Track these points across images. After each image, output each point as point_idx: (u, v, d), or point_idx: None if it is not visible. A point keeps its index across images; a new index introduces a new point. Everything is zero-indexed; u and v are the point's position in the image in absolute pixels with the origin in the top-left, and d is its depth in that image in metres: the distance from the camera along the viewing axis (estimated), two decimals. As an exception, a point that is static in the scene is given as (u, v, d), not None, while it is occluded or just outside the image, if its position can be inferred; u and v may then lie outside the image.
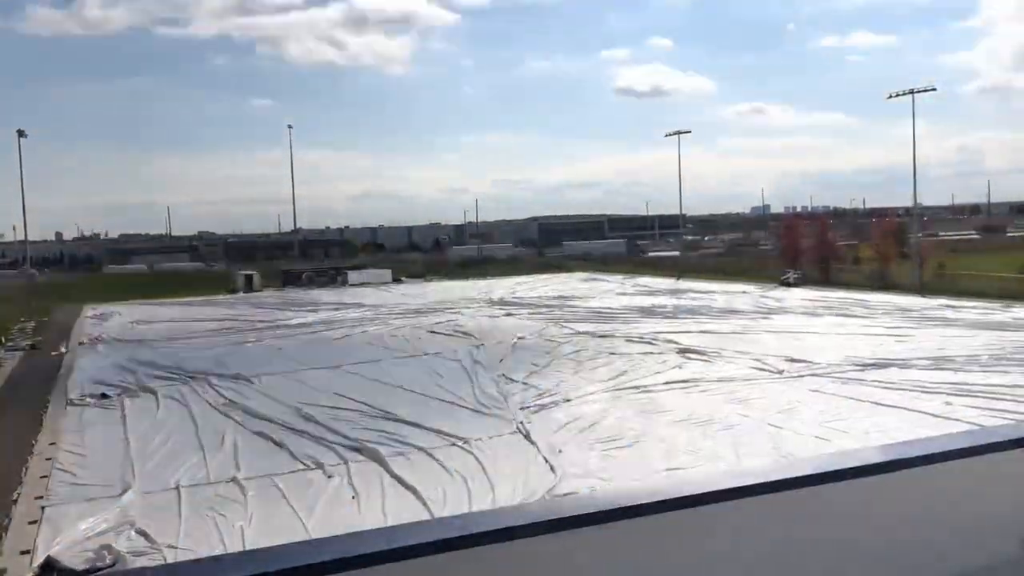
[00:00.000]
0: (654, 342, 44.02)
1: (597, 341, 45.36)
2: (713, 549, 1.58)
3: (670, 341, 43.91)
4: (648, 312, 58.62)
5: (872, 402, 29.08)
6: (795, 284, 75.21)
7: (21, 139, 74.68)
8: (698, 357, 39.22)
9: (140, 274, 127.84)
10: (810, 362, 36.86)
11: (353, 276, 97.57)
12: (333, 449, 25.09)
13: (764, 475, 1.65)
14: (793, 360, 37.41)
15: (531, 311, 61.29)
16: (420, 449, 24.73)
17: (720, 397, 30.72)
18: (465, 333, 50.23)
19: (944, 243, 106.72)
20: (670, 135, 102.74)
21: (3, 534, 19.34)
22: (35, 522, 19.99)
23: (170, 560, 16.67)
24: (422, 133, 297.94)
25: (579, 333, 48.60)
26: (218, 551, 17.33)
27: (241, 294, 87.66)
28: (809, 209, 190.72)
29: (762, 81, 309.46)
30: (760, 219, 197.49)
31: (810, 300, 62.95)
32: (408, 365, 40.03)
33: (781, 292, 70.63)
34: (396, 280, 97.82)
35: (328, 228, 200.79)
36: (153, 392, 35.18)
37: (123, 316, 66.06)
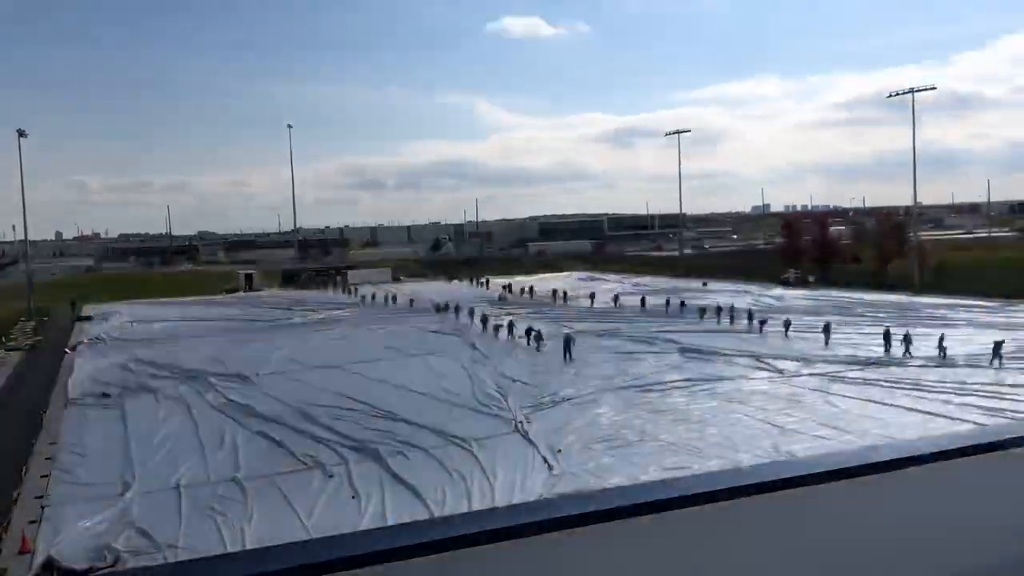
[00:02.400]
0: (653, 341, 44.05)
1: (596, 340, 45.38)
2: (713, 549, 1.58)
3: (670, 340, 43.94)
4: (647, 311, 58.62)
5: (872, 401, 29.11)
6: (795, 283, 75.15)
7: (21, 139, 74.62)
8: (698, 357, 39.23)
9: (140, 273, 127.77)
10: (810, 361, 36.89)
11: (353, 275, 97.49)
12: (333, 449, 25.11)
13: (764, 475, 1.65)
14: (793, 359, 37.45)
15: (531, 311, 61.27)
16: (420, 449, 24.75)
17: (720, 397, 30.74)
18: (464, 332, 50.24)
19: (945, 242, 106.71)
20: (670, 134, 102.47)
21: (3, 534, 19.34)
22: (35, 522, 20.00)
23: (170, 560, 16.68)
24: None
25: (578, 332, 48.59)
26: (218, 551, 17.31)
27: (241, 293, 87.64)
28: (809, 208, 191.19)
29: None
30: (760, 218, 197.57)
31: (810, 299, 62.97)
32: (408, 365, 40.04)
33: (781, 291, 70.61)
34: (395, 279, 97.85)
35: (328, 228, 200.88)
36: (153, 392, 35.21)
37: (123, 316, 66.04)
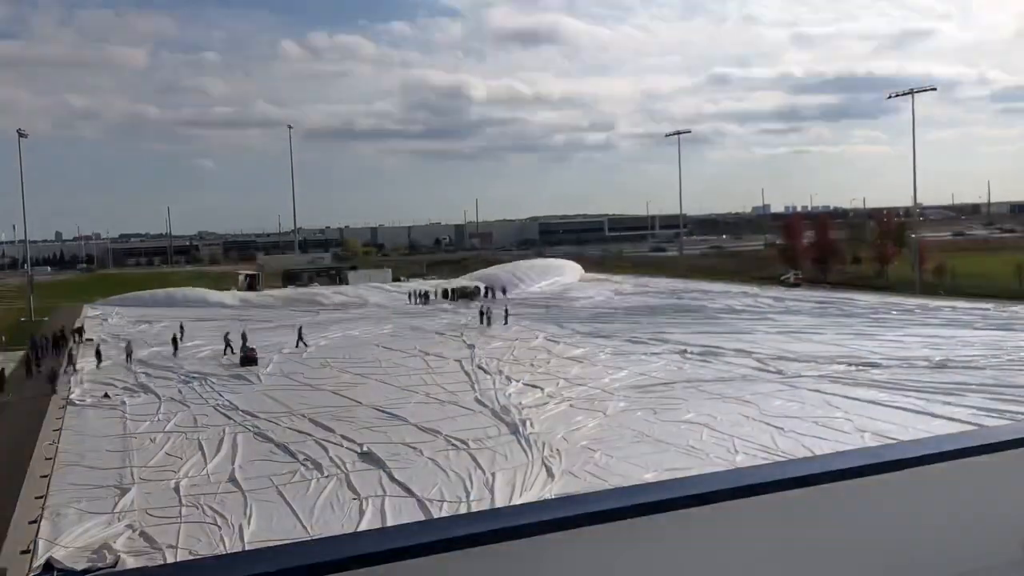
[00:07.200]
0: (653, 342, 44.03)
1: (596, 341, 45.38)
2: (713, 549, 1.58)
3: (670, 342, 43.91)
4: (647, 312, 58.63)
5: (871, 402, 29.09)
6: (795, 284, 75.12)
7: (21, 139, 74.65)
8: (697, 357, 39.21)
9: (139, 274, 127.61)
10: (809, 362, 36.87)
11: (354, 276, 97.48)
12: (332, 449, 25.10)
13: (764, 475, 1.65)
14: (792, 360, 37.42)
15: (532, 311, 61.27)
16: (418, 450, 24.75)
17: (720, 397, 30.72)
18: (464, 333, 50.25)
19: (944, 243, 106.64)
20: (670, 135, 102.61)
21: (4, 534, 19.33)
22: (35, 522, 20.00)
23: (170, 560, 16.69)
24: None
25: (578, 333, 48.61)
26: (218, 551, 17.34)
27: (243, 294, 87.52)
28: (809, 209, 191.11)
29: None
30: (760, 218, 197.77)
31: (809, 300, 62.95)
32: (407, 365, 40.04)
33: (780, 292, 70.59)
34: (396, 280, 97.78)
35: (328, 228, 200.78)
36: (153, 392, 35.22)
37: (123, 316, 66.00)
